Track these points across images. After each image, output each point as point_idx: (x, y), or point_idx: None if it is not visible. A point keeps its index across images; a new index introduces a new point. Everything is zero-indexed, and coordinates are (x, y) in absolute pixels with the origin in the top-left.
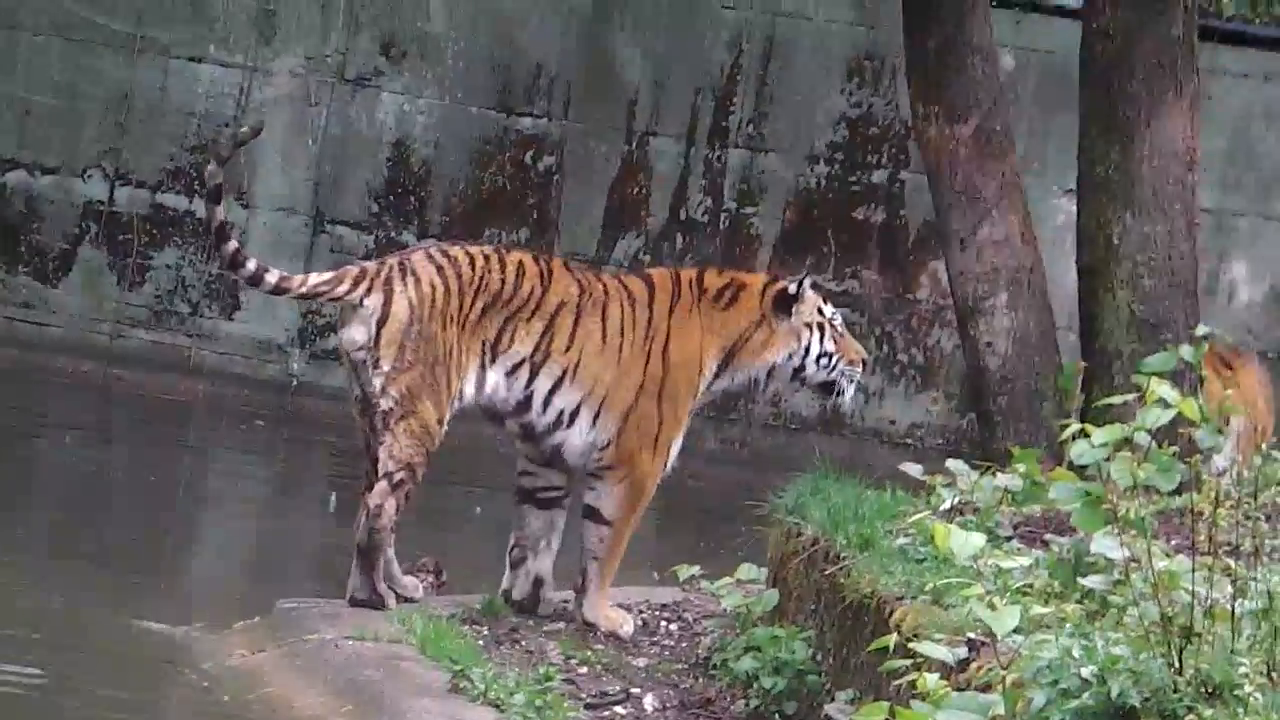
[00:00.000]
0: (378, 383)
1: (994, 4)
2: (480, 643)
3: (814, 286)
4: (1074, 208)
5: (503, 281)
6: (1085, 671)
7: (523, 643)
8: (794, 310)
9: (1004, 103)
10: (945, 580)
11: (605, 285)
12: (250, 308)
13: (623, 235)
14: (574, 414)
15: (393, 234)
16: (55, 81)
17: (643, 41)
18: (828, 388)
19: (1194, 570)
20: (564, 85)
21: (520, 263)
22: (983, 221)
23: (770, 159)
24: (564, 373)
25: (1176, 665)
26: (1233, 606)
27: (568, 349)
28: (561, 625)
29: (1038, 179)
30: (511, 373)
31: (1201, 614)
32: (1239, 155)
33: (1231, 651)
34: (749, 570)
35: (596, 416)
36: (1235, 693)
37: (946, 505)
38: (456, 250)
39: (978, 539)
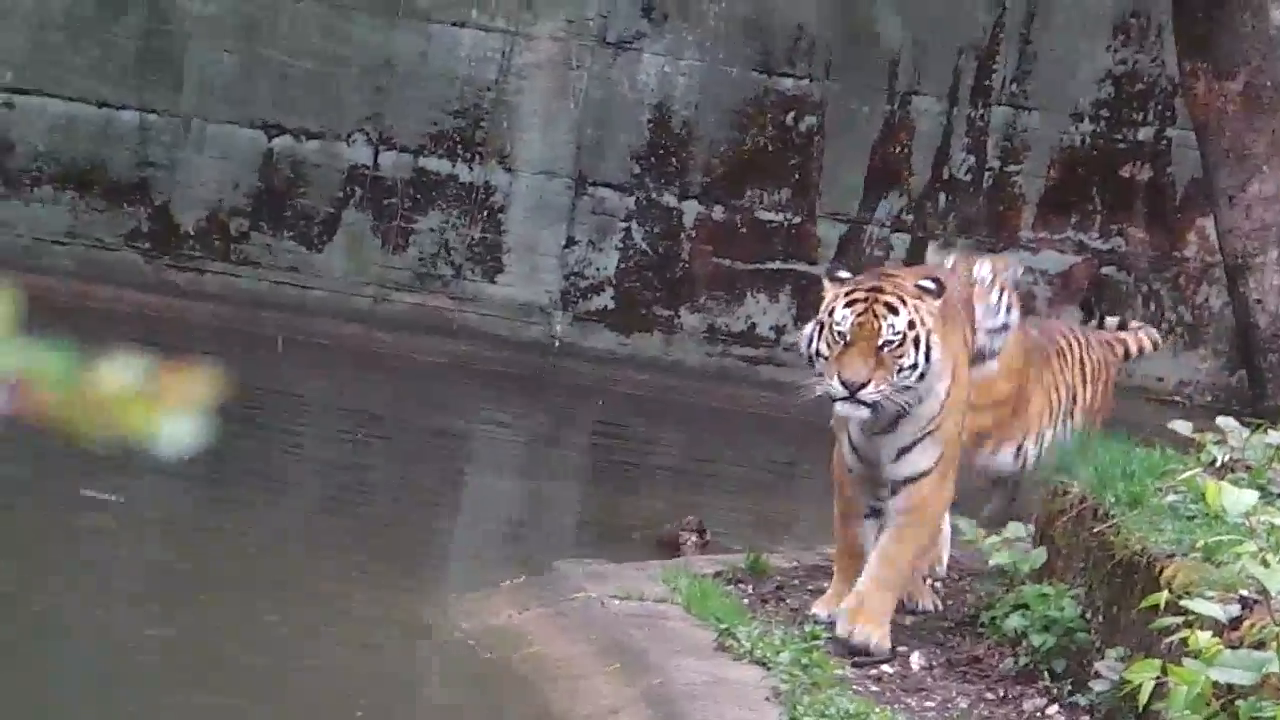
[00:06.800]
0: None
1: None
2: (745, 601)
3: (831, 278)
4: None
5: None
6: None
7: (788, 601)
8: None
9: (1273, 58)
10: (1217, 537)
11: None
12: (513, 270)
13: (884, 196)
14: None
15: (654, 195)
16: (316, 48)
17: (903, 1)
18: None
19: None
20: (825, 46)
21: None
22: (1252, 178)
23: (1033, 117)
24: None
25: None
26: None
27: None
28: (826, 584)
29: None
30: None
31: None
32: None
33: None
34: (1016, 528)
35: None
36: None
37: (1217, 462)
38: None
39: (1250, 495)
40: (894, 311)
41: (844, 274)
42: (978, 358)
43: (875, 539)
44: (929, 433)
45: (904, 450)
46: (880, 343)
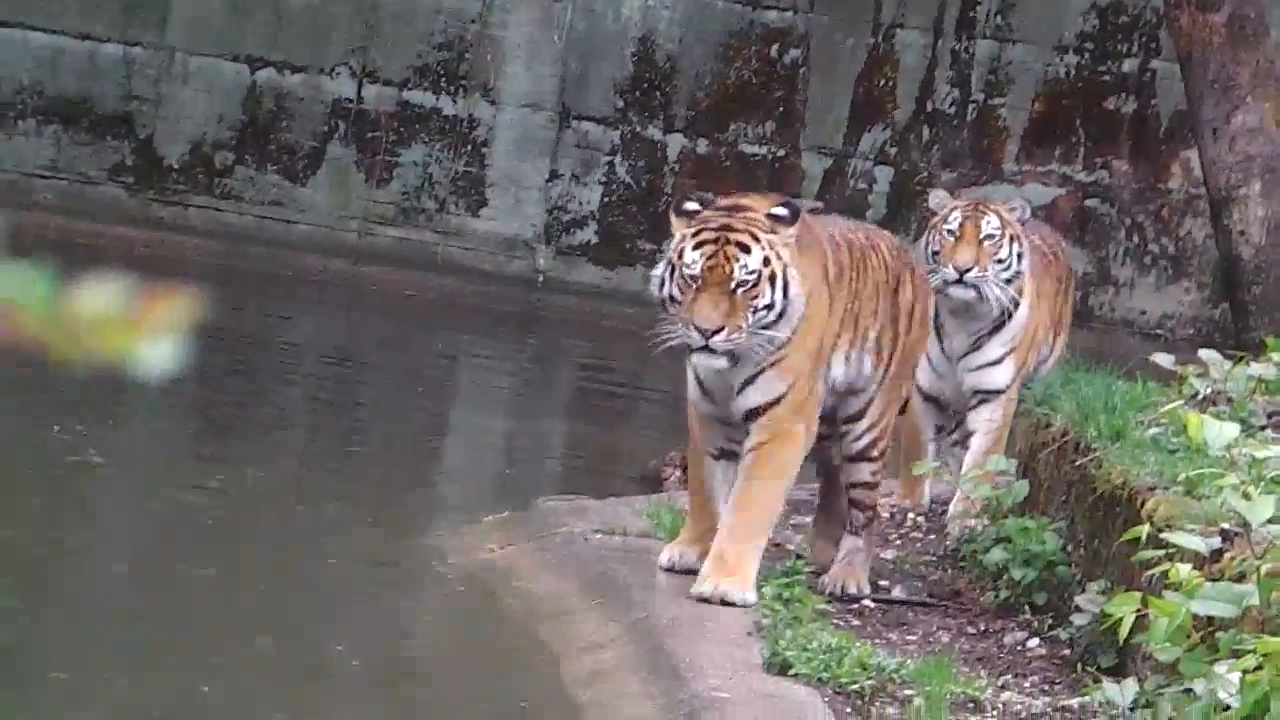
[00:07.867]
0: None
1: None
2: None
3: (678, 211)
4: None
5: None
6: None
7: (771, 535)
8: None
9: None
10: (1198, 470)
11: None
12: (496, 204)
13: (868, 129)
14: None
15: (638, 129)
16: None
17: None
18: None
19: None
20: None
21: None
22: (1236, 110)
23: (1018, 49)
24: None
25: None
26: None
27: None
28: (808, 519)
29: None
30: None
31: None
32: None
33: None
34: (998, 462)
35: None
36: None
37: (1199, 396)
38: None
39: (1232, 428)
40: (746, 251)
41: (692, 206)
42: (1002, 312)
43: (728, 482)
44: (774, 363)
45: (747, 382)
46: (733, 285)
